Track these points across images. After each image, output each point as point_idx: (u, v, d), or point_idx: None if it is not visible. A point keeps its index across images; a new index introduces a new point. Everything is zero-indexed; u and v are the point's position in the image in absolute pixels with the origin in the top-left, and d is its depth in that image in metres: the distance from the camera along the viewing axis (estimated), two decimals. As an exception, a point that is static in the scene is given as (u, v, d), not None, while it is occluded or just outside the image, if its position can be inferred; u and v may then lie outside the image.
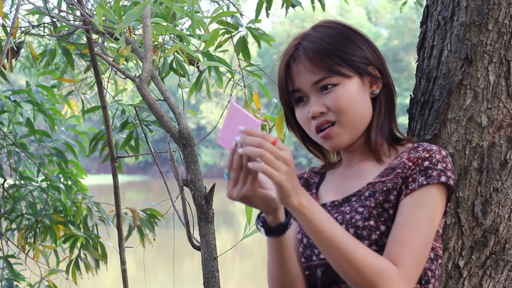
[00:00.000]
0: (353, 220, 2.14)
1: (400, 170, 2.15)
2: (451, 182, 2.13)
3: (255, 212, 2.83)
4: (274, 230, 2.08)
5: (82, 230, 5.05)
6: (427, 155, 2.14)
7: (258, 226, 2.11)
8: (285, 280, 2.17)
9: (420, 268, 2.07)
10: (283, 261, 2.14)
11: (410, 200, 2.11)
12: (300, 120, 2.25)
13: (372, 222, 2.12)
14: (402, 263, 2.02)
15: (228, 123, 1.96)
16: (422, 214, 2.08)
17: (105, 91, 4.71)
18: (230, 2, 4.40)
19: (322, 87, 2.18)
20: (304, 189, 1.97)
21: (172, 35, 3.36)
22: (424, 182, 2.11)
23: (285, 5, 4.40)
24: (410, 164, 2.15)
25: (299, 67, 2.20)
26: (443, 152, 2.16)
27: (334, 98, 2.17)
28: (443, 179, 2.11)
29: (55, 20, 4.25)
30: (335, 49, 2.17)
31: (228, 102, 3.97)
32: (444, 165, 2.13)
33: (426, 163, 2.13)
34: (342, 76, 2.16)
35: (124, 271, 4.62)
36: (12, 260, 5.10)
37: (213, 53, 3.75)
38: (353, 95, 2.17)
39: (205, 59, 3.67)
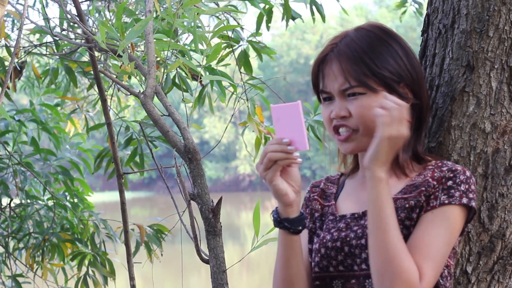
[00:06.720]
0: None
1: (423, 188, 2.16)
2: (473, 203, 2.14)
3: (263, 224, 2.85)
4: (281, 222, 2.16)
5: (89, 247, 5.06)
6: (451, 175, 2.16)
7: (272, 215, 2.20)
8: (287, 277, 2.21)
9: (433, 284, 2.10)
10: (288, 258, 2.19)
11: (431, 216, 2.12)
12: (323, 117, 2.26)
13: None
14: (424, 276, 2.05)
15: (279, 126, 2.11)
16: (441, 232, 2.11)
17: (109, 108, 4.73)
18: (230, 15, 4.42)
19: (349, 94, 2.18)
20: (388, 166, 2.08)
21: (174, 51, 3.37)
22: (446, 201, 2.13)
23: (285, 17, 4.41)
24: (434, 183, 2.16)
25: (329, 70, 2.21)
26: (467, 173, 2.17)
27: (359, 106, 2.17)
28: (464, 200, 2.13)
29: (57, 39, 4.27)
30: (368, 58, 2.17)
31: (232, 116, 3.99)
32: (467, 186, 2.15)
33: (450, 183, 2.14)
34: (368, 88, 2.16)
35: (133, 287, 4.62)
36: (20, 279, 5.10)
37: (215, 67, 3.77)
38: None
39: (207, 73, 3.69)
